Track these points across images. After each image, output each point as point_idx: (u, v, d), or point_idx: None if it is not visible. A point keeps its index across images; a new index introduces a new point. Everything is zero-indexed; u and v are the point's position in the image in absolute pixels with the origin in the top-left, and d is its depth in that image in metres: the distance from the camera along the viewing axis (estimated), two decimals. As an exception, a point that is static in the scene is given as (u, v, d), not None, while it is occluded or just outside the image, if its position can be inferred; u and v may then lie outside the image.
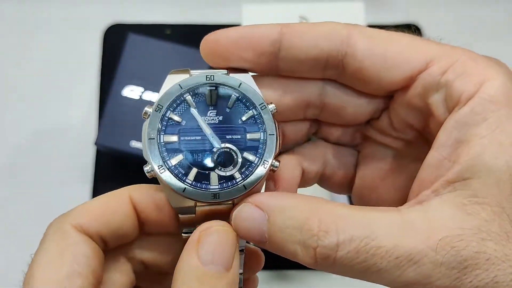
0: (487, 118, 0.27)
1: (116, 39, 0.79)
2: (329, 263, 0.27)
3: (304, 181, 0.36)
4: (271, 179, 0.34)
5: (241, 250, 0.33)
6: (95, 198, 0.32)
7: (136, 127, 0.70)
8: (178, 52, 0.72)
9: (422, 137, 0.33)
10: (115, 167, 0.75)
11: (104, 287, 0.32)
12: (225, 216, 0.31)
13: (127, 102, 0.70)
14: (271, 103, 0.32)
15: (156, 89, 0.71)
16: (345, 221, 0.27)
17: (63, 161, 0.76)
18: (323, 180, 0.38)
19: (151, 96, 0.71)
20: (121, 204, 0.32)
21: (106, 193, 0.32)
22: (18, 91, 0.80)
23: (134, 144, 0.69)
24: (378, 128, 0.35)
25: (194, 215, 0.31)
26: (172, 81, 0.32)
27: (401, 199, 0.36)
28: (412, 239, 0.26)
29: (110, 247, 0.32)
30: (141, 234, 0.33)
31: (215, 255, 0.28)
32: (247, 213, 0.30)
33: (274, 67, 0.32)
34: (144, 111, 0.31)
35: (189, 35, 0.79)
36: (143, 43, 0.73)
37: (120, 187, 0.33)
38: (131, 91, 0.71)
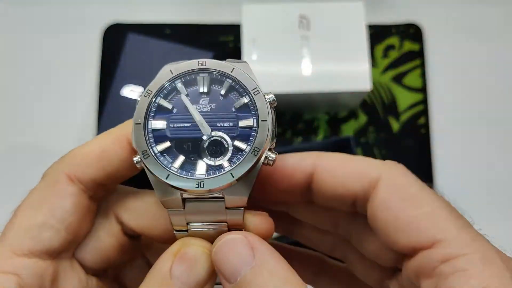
0: None
1: (115, 39, 0.78)
2: None
3: None
4: (268, 176, 0.31)
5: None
6: (91, 140, 0.31)
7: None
8: (178, 52, 0.72)
9: None
10: (115, 167, 0.75)
11: (89, 241, 0.32)
12: (215, 214, 0.29)
13: (126, 102, 0.70)
14: (270, 93, 0.30)
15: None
16: None
17: (62, 161, 0.76)
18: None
19: (151, 96, 0.71)
20: (119, 145, 0.31)
21: (102, 133, 0.31)
22: (18, 91, 0.80)
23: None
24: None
25: (184, 212, 0.29)
26: (166, 69, 0.31)
27: None
28: None
29: (109, 187, 0.32)
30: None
31: (184, 273, 0.28)
32: (235, 246, 0.28)
33: (308, 197, 0.32)
34: (136, 101, 0.30)
35: (189, 35, 0.79)
36: (143, 43, 0.73)
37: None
38: (131, 91, 0.71)
